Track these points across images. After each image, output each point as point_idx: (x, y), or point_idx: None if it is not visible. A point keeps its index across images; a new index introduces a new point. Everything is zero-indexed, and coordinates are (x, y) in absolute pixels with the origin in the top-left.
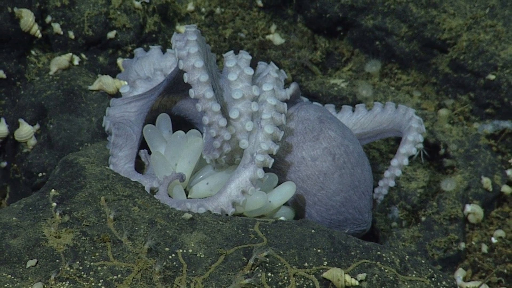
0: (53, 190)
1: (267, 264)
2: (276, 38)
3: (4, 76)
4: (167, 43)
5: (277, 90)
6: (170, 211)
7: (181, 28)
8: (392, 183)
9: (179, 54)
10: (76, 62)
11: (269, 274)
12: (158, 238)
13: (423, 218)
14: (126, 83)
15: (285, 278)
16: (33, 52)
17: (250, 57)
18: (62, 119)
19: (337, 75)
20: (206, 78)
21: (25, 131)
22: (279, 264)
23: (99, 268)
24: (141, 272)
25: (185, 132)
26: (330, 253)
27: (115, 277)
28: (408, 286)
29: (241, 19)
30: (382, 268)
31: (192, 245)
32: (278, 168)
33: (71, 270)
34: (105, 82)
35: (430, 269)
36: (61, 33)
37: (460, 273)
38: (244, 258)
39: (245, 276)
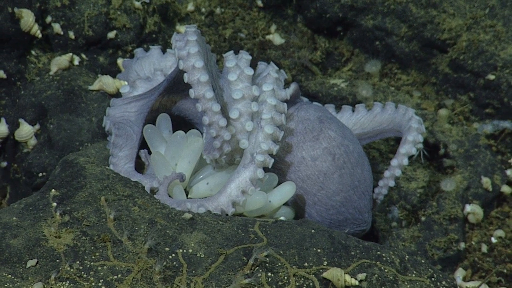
0: (53, 190)
1: (267, 264)
2: (276, 38)
3: (4, 76)
4: (167, 43)
5: (277, 90)
6: (170, 211)
7: (181, 28)
8: (392, 183)
9: (179, 54)
10: (76, 62)
11: (269, 274)
12: (158, 238)
13: (423, 218)
14: (126, 83)
15: (285, 278)
16: (33, 52)
17: (250, 57)
18: (62, 119)
19: (337, 75)
20: (206, 78)
21: (25, 131)
22: (279, 264)
23: (99, 268)
24: (141, 272)
25: (185, 132)
26: (330, 253)
27: (115, 277)
28: (408, 286)
29: (241, 19)
30: (382, 268)
31: (192, 245)
32: (278, 168)
33: (71, 270)
34: (105, 82)
35: (430, 269)
36: (61, 33)
37: (460, 273)
38: (244, 258)
39: (245, 276)
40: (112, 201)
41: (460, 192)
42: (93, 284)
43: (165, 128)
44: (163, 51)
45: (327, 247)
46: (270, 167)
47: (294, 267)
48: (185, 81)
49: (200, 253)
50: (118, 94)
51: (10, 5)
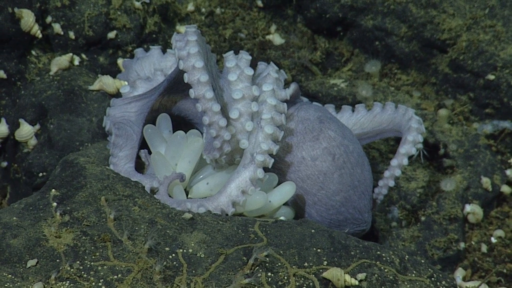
0: (53, 190)
1: (267, 264)
2: (276, 38)
3: (4, 76)
4: (167, 43)
5: (277, 90)
6: (170, 211)
7: (181, 28)
8: (391, 183)
9: (179, 54)
10: (76, 62)
11: (269, 274)
12: (158, 238)
13: (422, 218)
14: (126, 83)
15: (285, 277)
16: (33, 52)
17: (250, 57)
18: (62, 119)
19: (337, 75)
20: (206, 78)
21: (26, 131)
22: (279, 263)
23: (99, 268)
24: (141, 272)
25: (185, 132)
26: (330, 253)
27: (116, 276)
28: (408, 285)
29: (241, 20)
30: (382, 267)
31: (192, 245)
32: (278, 168)
33: (72, 270)
34: (106, 82)
35: (429, 269)
36: (62, 33)
37: (459, 273)
38: (244, 258)
39: (245, 276)
40: (112, 201)
41: (460, 192)
42: (93, 284)
43: (165, 128)
44: (163, 51)
45: (327, 247)
46: (270, 167)
47: (294, 267)
48: (185, 81)
49: (200, 253)
50: (118, 94)
51: (10, 5)
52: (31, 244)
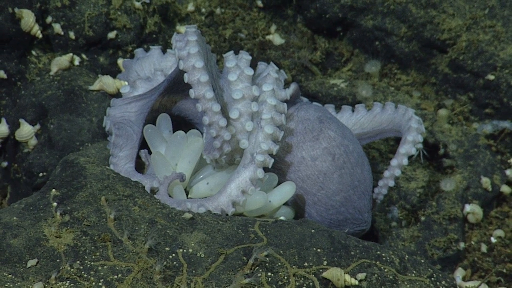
0: (53, 190)
1: (267, 264)
2: (276, 39)
3: (4, 76)
4: (168, 43)
5: (277, 90)
6: (171, 211)
7: (182, 28)
8: (391, 183)
9: (179, 55)
10: (76, 62)
11: (269, 274)
12: (158, 237)
13: (422, 218)
14: (126, 83)
15: (285, 277)
16: (33, 53)
17: (250, 58)
18: (62, 119)
19: (337, 75)
20: (206, 79)
21: (26, 131)
22: (279, 263)
23: (99, 268)
24: (142, 272)
25: (185, 132)
26: (330, 253)
27: (116, 276)
28: (408, 285)
29: (241, 20)
30: (382, 267)
31: (192, 244)
32: (278, 168)
33: (72, 269)
34: (106, 82)
35: (429, 269)
36: (62, 33)
37: (459, 273)
38: (244, 257)
39: (245, 276)
40: (113, 201)
41: (459, 192)
42: (94, 283)
43: (165, 128)
44: (163, 51)
45: (327, 247)
46: (270, 167)
47: (294, 266)
48: (185, 81)
49: (200, 253)
50: (118, 94)
51: (10, 6)
52: (31, 244)
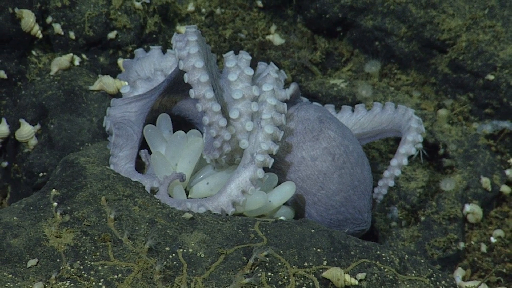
0: (54, 190)
1: (267, 264)
2: (276, 39)
3: (5, 76)
4: (168, 43)
5: (277, 90)
6: (171, 211)
7: (182, 28)
8: (391, 183)
9: (179, 55)
10: (76, 63)
11: (269, 274)
12: (158, 237)
13: (422, 218)
14: (126, 83)
15: (285, 277)
16: (34, 53)
17: (250, 58)
18: (63, 119)
19: (337, 75)
20: (206, 79)
21: (26, 131)
22: (279, 263)
23: (99, 268)
24: (142, 272)
25: (185, 132)
26: (330, 253)
27: (116, 276)
28: (408, 285)
29: (241, 20)
30: (382, 267)
31: (193, 244)
32: (278, 168)
33: (72, 269)
34: (106, 82)
35: (429, 269)
36: (62, 33)
37: (459, 273)
38: (244, 257)
39: (245, 276)
40: (113, 201)
41: (459, 192)
42: (94, 283)
43: (166, 128)
44: (164, 51)
45: (327, 246)
46: (270, 167)
47: (294, 266)
48: (185, 81)
49: (200, 252)
50: (118, 94)
51: (11, 6)
52: (32, 244)
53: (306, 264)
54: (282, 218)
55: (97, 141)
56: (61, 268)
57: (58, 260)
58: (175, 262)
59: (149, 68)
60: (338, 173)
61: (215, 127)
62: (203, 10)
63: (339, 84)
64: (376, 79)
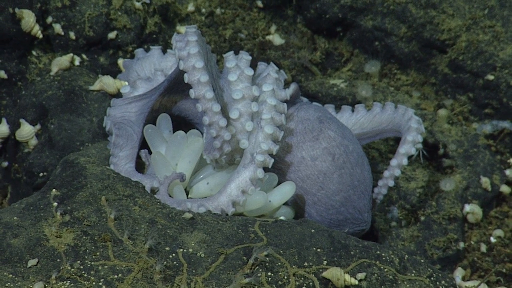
0: (54, 190)
1: (267, 264)
2: (276, 39)
3: (5, 76)
4: (168, 43)
5: (277, 91)
6: (171, 211)
7: (182, 28)
8: (391, 183)
9: (179, 55)
10: (77, 63)
11: (269, 274)
12: (158, 237)
13: (422, 218)
14: (126, 83)
15: (285, 277)
16: (34, 53)
17: (250, 58)
18: (63, 119)
19: (337, 75)
20: (206, 79)
21: (26, 131)
22: (279, 263)
23: (100, 268)
24: (142, 272)
25: (186, 132)
26: (330, 253)
27: (116, 276)
28: (408, 285)
29: (241, 20)
30: (382, 267)
31: (193, 244)
32: (278, 168)
33: (72, 269)
34: (106, 83)
35: (429, 269)
36: (62, 33)
37: (459, 273)
38: (244, 257)
39: (245, 276)
40: (113, 201)
41: (459, 192)
42: (94, 283)
43: (166, 128)
44: (164, 51)
45: (327, 246)
46: (270, 167)
47: (294, 266)
48: (186, 81)
49: (200, 252)
50: (118, 94)
51: (11, 6)
52: (32, 243)
53: (306, 264)
54: (282, 218)
55: (97, 141)
56: (61, 268)
57: (58, 260)
58: (175, 262)
59: (149, 68)
60: (338, 173)
61: (215, 127)
62: (203, 10)
63: (339, 84)
64: (376, 79)
